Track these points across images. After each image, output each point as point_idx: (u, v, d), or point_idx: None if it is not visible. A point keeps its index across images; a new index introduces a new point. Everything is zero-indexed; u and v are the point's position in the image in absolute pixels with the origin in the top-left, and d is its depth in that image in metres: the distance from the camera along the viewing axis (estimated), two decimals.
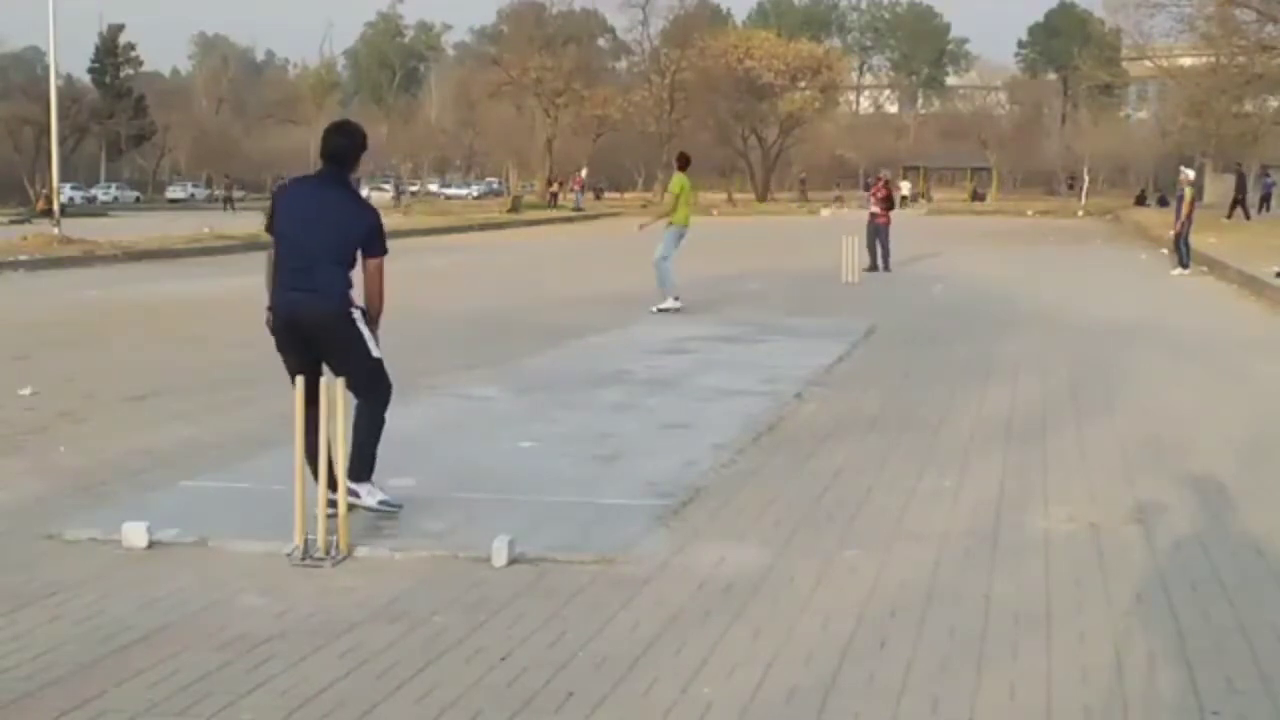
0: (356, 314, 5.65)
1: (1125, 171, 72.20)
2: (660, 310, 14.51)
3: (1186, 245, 20.46)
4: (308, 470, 5.20)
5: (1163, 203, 48.04)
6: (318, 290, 5.57)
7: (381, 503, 5.67)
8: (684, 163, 15.92)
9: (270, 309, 5.69)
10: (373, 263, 5.68)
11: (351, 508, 5.51)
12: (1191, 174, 21.48)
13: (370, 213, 5.77)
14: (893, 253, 21.11)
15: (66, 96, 49.48)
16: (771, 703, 3.79)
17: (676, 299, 14.72)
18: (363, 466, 5.66)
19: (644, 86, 69.06)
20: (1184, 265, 20.39)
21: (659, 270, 14.90)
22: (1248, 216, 38.23)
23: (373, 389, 5.70)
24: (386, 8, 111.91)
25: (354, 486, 5.62)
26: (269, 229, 5.76)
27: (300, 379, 5.36)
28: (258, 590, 4.78)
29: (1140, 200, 57.72)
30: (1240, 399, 9.20)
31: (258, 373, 9.33)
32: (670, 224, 15.10)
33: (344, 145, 5.74)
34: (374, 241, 5.68)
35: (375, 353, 5.69)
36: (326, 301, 5.57)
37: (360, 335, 5.63)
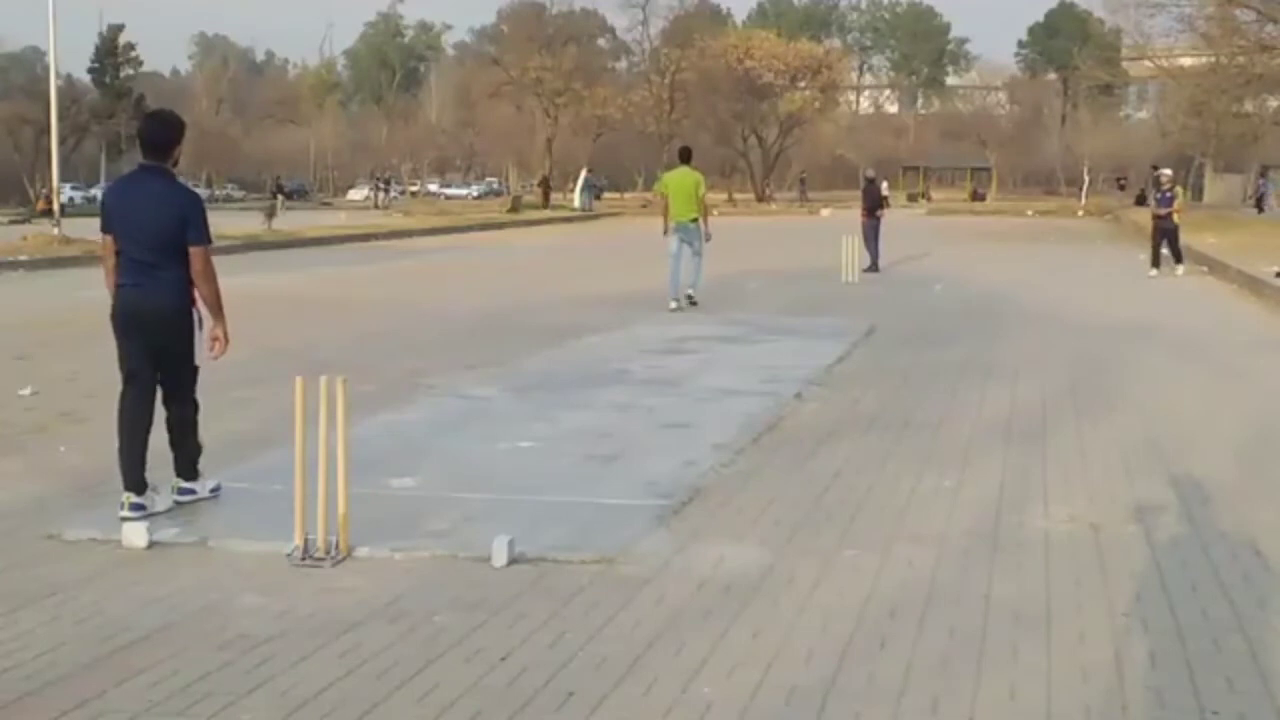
0: (195, 315, 5.81)
1: (1125, 171, 72.23)
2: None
3: (1160, 245, 20.34)
4: (308, 470, 5.20)
5: (1141, 200, 46.43)
6: (156, 285, 5.71)
7: (212, 490, 5.98)
8: (681, 157, 15.81)
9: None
10: (194, 251, 5.72)
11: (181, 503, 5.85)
12: (1169, 172, 21.56)
13: (186, 198, 5.86)
14: (881, 254, 21.11)
15: (66, 96, 49.41)
16: (771, 703, 3.79)
17: (675, 301, 14.72)
18: (190, 465, 5.92)
19: (644, 86, 68.95)
20: (1155, 265, 20.26)
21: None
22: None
23: (184, 393, 5.89)
24: (386, 8, 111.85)
25: (187, 485, 5.90)
26: (103, 229, 5.87)
27: (138, 376, 5.77)
28: (258, 590, 4.78)
29: (1140, 200, 57.65)
30: (1240, 399, 9.20)
31: (258, 373, 9.35)
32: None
33: (159, 133, 5.86)
34: (192, 228, 5.72)
35: (196, 360, 5.86)
36: (164, 296, 5.72)
37: (191, 337, 5.80)
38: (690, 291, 14.92)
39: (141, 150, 5.90)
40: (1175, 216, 20.24)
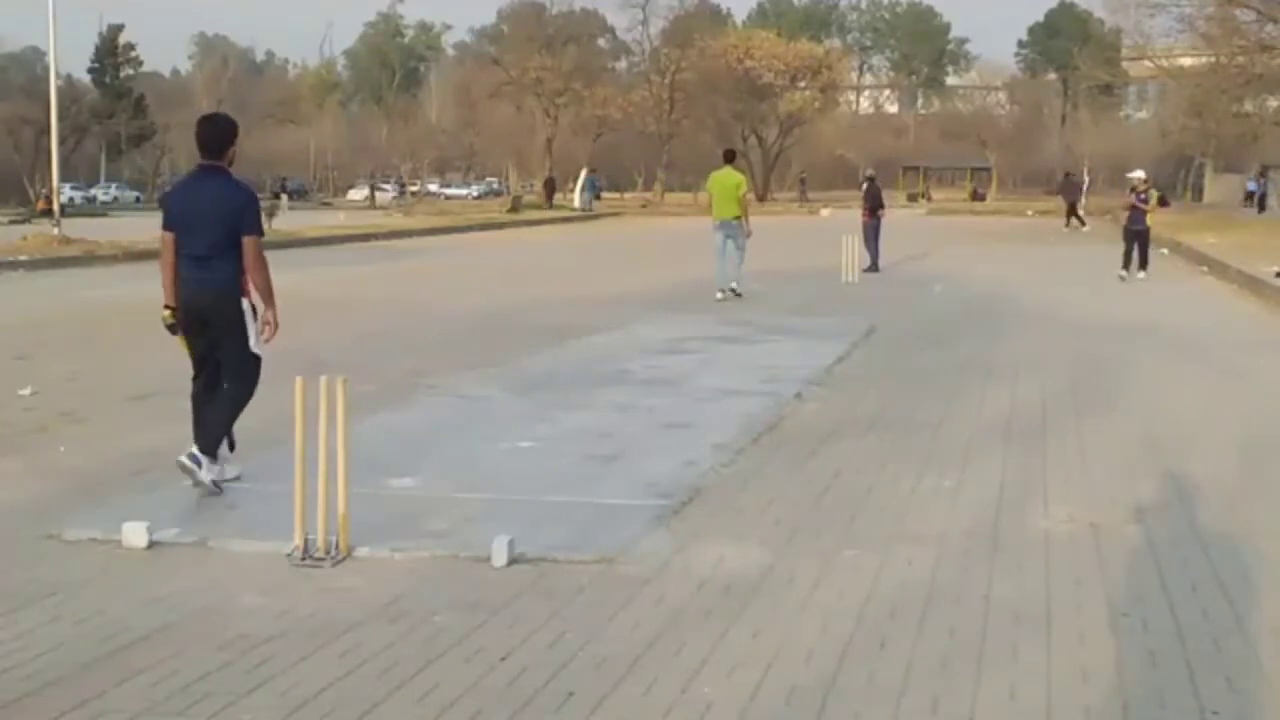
0: (246, 304, 6.14)
1: (1125, 172, 72.24)
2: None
3: (1146, 247, 20.12)
4: (308, 470, 5.20)
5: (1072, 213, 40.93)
6: (211, 276, 6.07)
7: (214, 481, 6.08)
8: (725, 158, 17.48)
9: (167, 306, 6.16)
10: (247, 241, 6.10)
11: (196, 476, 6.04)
12: (1142, 174, 21.42)
13: (243, 193, 6.22)
14: (881, 254, 21.09)
15: (66, 96, 49.40)
16: (771, 703, 3.79)
17: (721, 291, 16.02)
18: (212, 443, 6.11)
19: (644, 86, 68.87)
20: (1144, 266, 19.97)
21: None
22: (1083, 224, 38.01)
23: (243, 376, 6.19)
24: (386, 8, 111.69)
25: (200, 456, 6.05)
26: (165, 226, 6.21)
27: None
28: (258, 590, 4.78)
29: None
30: (1240, 399, 9.19)
31: None
32: None
33: (213, 134, 6.23)
34: (247, 220, 6.10)
35: (255, 348, 6.18)
36: (218, 286, 6.07)
37: (243, 324, 6.13)
38: (733, 285, 16.18)
39: (200, 152, 6.24)
40: (1148, 218, 20.02)
